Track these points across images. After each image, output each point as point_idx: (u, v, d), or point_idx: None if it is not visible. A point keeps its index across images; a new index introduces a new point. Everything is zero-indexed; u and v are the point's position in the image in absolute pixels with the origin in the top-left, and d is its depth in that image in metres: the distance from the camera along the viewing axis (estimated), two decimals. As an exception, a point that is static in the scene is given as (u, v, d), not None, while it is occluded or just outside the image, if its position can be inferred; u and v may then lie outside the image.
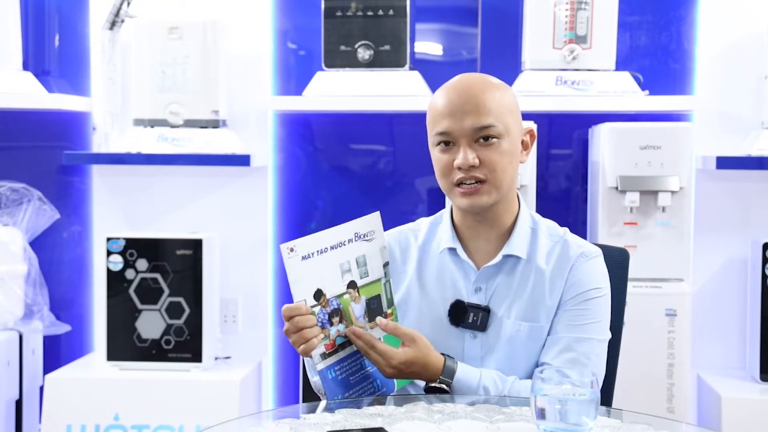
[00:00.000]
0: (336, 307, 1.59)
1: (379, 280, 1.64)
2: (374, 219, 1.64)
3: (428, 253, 1.77)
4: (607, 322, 1.72)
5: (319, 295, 1.57)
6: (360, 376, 1.63)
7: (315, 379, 1.69)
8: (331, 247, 1.59)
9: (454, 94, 1.66)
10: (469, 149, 1.63)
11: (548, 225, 1.77)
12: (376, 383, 1.64)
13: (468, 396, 1.61)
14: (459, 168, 1.64)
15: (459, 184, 1.66)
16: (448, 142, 1.66)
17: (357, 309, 1.62)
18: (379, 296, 1.64)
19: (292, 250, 1.55)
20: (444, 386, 1.62)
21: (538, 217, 1.78)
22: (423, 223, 1.83)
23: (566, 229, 1.77)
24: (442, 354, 1.64)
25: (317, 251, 1.57)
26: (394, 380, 1.65)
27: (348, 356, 1.62)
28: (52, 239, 3.28)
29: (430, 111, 1.70)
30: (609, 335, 1.72)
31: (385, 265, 1.65)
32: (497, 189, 1.65)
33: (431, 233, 1.79)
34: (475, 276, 1.72)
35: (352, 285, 1.61)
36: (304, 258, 1.56)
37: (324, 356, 1.59)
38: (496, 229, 1.72)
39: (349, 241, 1.60)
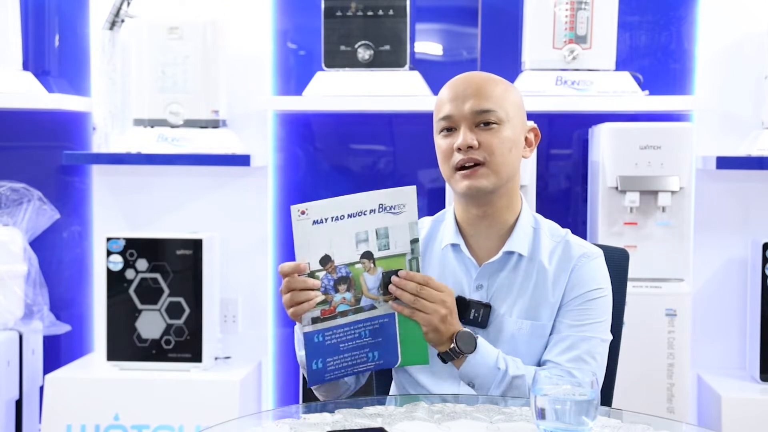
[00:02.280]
0: (345, 275, 1.55)
1: (403, 255, 1.58)
2: (409, 193, 1.57)
3: (431, 250, 1.79)
4: (608, 322, 1.72)
5: (326, 260, 1.54)
6: (355, 345, 1.58)
7: (301, 353, 1.62)
8: (349, 215, 1.54)
9: (457, 82, 1.71)
10: (469, 132, 1.66)
11: (550, 225, 1.78)
12: (372, 354, 1.59)
13: (469, 395, 1.61)
14: (458, 150, 1.66)
15: (459, 168, 1.67)
16: (450, 128, 1.69)
17: (371, 280, 1.57)
18: (399, 271, 1.58)
19: (303, 212, 1.52)
20: (474, 333, 1.61)
21: (539, 217, 1.79)
22: (426, 221, 1.84)
23: (568, 230, 1.78)
24: None
25: (332, 218, 1.54)
26: (398, 355, 1.60)
27: (348, 324, 1.57)
28: (52, 239, 3.29)
29: (435, 103, 1.74)
30: (610, 336, 1.73)
31: (414, 241, 1.58)
32: (496, 174, 1.67)
33: (434, 231, 1.80)
34: (476, 273, 1.72)
35: (366, 255, 1.56)
36: (315, 222, 1.53)
37: (315, 320, 1.54)
38: (498, 227, 1.73)
39: (372, 211, 1.55)
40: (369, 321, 1.58)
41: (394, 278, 1.57)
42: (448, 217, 1.79)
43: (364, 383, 1.80)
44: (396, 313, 1.59)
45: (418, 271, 1.59)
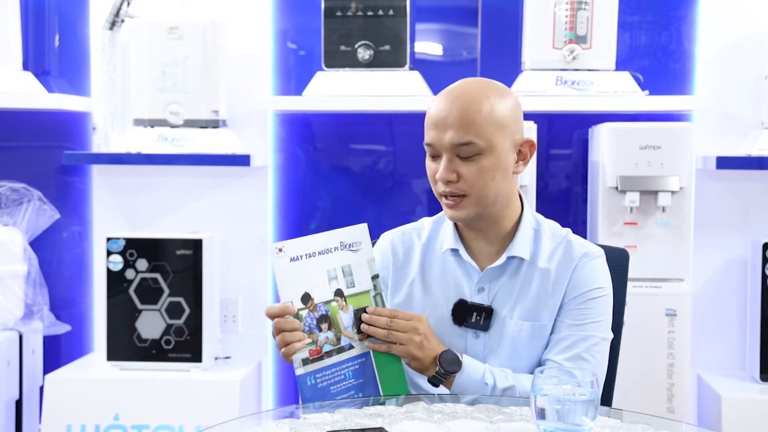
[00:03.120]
0: (324, 313, 1.59)
1: (367, 292, 1.63)
2: (360, 230, 1.63)
3: (432, 252, 1.78)
4: (608, 321, 1.73)
5: (306, 298, 1.57)
6: (342, 387, 1.60)
7: None
8: (319, 253, 1.59)
9: (443, 104, 1.65)
10: (450, 163, 1.64)
11: (551, 226, 1.78)
12: (358, 396, 1.62)
13: (468, 395, 1.61)
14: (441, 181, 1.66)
15: (444, 195, 1.68)
16: (436, 154, 1.67)
17: (345, 318, 1.61)
18: (366, 308, 1.62)
19: (280, 250, 1.56)
20: (458, 355, 1.63)
21: (540, 218, 1.79)
22: (426, 222, 1.83)
23: (569, 230, 1.78)
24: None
25: (305, 255, 1.58)
26: (380, 391, 1.62)
27: (333, 365, 1.59)
28: (52, 239, 3.28)
29: (426, 116, 1.70)
30: (611, 335, 1.73)
31: (374, 277, 1.63)
32: (477, 204, 1.66)
33: (434, 232, 1.80)
34: (478, 276, 1.72)
35: (338, 293, 1.60)
36: (292, 260, 1.56)
37: (306, 362, 1.57)
38: (497, 232, 1.73)
39: (335, 248, 1.60)
40: (350, 361, 1.61)
41: (364, 316, 1.61)
42: (448, 219, 1.79)
43: None
44: (371, 351, 1.62)
45: (383, 306, 1.63)
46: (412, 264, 1.79)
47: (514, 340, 1.70)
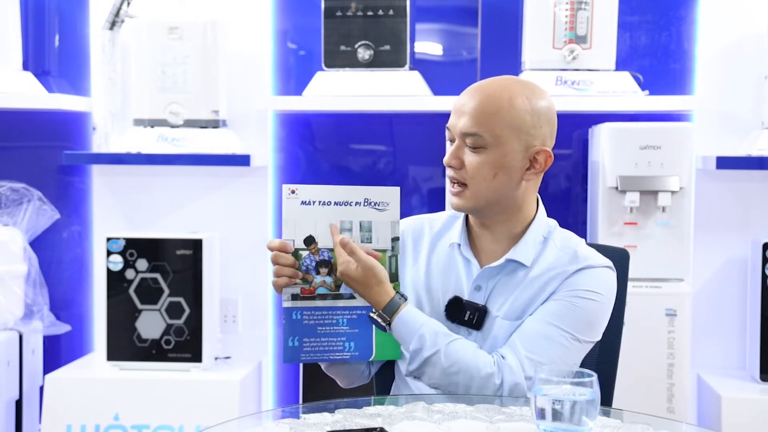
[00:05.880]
0: (326, 258, 1.61)
1: (384, 251, 1.64)
2: (392, 193, 1.65)
3: (440, 244, 1.78)
4: (589, 332, 1.66)
5: (310, 241, 1.60)
6: (332, 331, 1.63)
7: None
8: (335, 203, 1.61)
9: (468, 93, 1.69)
10: (457, 150, 1.67)
11: (564, 236, 1.75)
12: (348, 344, 1.63)
13: (468, 395, 1.61)
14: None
15: (452, 182, 1.70)
16: (452, 138, 1.69)
17: None
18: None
19: (293, 192, 1.59)
20: (381, 321, 1.63)
21: (554, 226, 1.75)
22: (443, 214, 1.84)
23: (581, 242, 1.74)
24: (397, 291, 1.64)
25: (319, 202, 1.60)
26: (373, 348, 1.64)
27: (326, 308, 1.62)
28: (52, 239, 3.29)
29: None
30: (582, 347, 1.66)
31: (395, 239, 1.65)
32: (475, 197, 1.66)
33: (447, 226, 1.80)
34: (476, 274, 1.71)
35: None
36: (303, 203, 1.59)
37: (295, 297, 1.60)
38: (503, 234, 1.72)
39: (357, 203, 1.62)
40: (348, 310, 1.64)
41: (331, 225, 1.61)
42: (461, 214, 1.79)
43: (375, 372, 1.81)
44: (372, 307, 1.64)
45: (396, 269, 1.65)
46: (419, 252, 1.78)
47: (494, 338, 1.68)
